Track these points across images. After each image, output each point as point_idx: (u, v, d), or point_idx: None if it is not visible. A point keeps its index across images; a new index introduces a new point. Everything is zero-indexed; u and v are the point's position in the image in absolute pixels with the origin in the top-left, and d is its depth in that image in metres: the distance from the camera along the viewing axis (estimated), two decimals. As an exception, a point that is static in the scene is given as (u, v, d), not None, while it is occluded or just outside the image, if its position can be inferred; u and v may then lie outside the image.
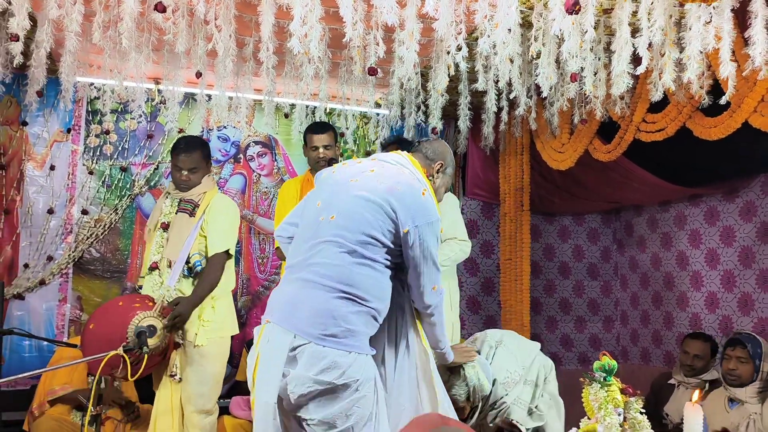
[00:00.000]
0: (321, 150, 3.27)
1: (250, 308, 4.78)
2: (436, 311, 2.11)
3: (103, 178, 4.59)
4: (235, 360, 4.32)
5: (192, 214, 2.89)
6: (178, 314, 2.65)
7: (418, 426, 1.12)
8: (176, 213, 2.93)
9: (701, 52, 2.68)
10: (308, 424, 1.83)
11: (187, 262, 2.83)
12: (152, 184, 4.67)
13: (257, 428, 1.88)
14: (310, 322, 1.84)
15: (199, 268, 2.82)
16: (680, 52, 2.79)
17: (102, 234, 4.56)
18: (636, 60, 2.80)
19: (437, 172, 2.27)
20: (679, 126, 3.30)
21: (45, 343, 4.21)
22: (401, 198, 1.95)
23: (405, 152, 2.23)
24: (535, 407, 2.52)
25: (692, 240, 4.89)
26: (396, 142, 3.43)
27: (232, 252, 2.88)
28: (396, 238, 1.95)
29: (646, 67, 2.78)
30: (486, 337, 2.74)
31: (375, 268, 1.92)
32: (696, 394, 1.78)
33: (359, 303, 1.88)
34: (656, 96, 3.03)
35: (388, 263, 1.96)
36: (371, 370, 1.89)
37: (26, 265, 4.38)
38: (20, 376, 2.57)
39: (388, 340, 2.03)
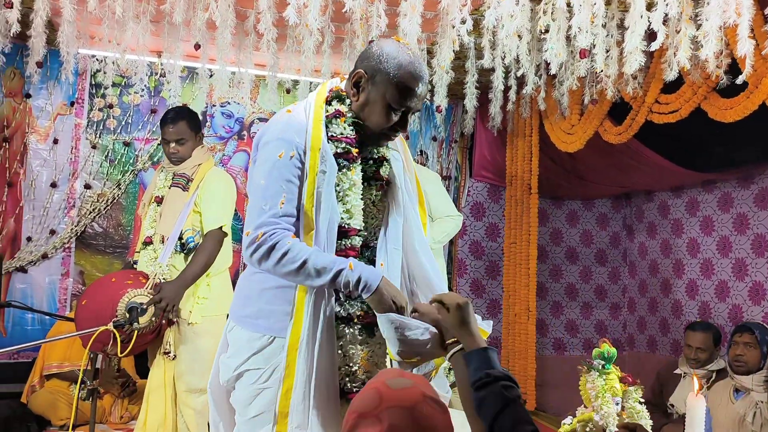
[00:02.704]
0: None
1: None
2: (268, 265, 1.53)
3: (106, 153, 4.56)
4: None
5: (185, 188, 2.83)
6: (161, 298, 2.58)
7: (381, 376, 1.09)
8: (169, 187, 2.87)
9: (720, 29, 2.55)
10: None
11: (180, 238, 2.78)
12: (155, 159, 4.62)
13: None
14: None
15: (192, 244, 2.77)
16: (696, 29, 2.67)
17: (104, 209, 4.53)
18: (650, 36, 2.68)
19: (356, 87, 1.63)
20: (694, 107, 3.17)
21: (47, 316, 4.21)
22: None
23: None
24: None
25: (704, 227, 4.77)
26: None
27: (227, 229, 2.82)
28: None
29: (661, 45, 2.67)
30: None
31: None
32: (696, 383, 1.70)
33: None
34: (670, 75, 2.91)
35: None
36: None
37: (29, 239, 4.37)
38: (14, 347, 2.56)
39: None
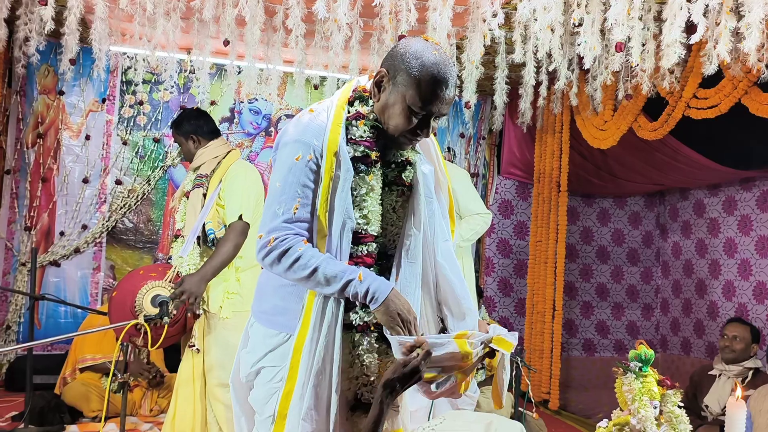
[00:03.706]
0: None
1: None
2: (279, 270, 1.49)
3: (136, 149, 4.62)
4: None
5: (203, 186, 2.85)
6: (182, 291, 2.59)
7: None
8: (192, 188, 2.90)
9: (762, 21, 2.46)
10: None
11: (203, 232, 2.79)
12: (184, 156, 4.66)
13: None
14: None
15: (212, 237, 2.76)
16: (738, 21, 2.57)
17: (135, 204, 4.60)
18: (688, 29, 2.59)
19: (377, 86, 1.54)
20: (734, 102, 3.07)
21: (79, 309, 4.29)
22: None
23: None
24: None
25: (742, 226, 4.63)
26: None
27: (247, 218, 2.78)
28: None
29: (700, 38, 2.57)
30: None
31: None
32: (739, 390, 1.63)
33: None
34: (710, 69, 2.81)
35: None
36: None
37: (62, 233, 4.46)
38: (48, 340, 2.60)
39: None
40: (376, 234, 1.56)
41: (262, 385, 1.58)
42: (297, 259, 1.46)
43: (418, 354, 1.42)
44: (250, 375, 1.62)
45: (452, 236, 1.74)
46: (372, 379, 1.54)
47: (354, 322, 1.54)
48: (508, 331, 1.60)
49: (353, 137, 1.54)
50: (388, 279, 1.56)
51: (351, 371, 1.53)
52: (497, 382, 1.56)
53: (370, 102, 1.58)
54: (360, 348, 1.54)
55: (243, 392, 1.68)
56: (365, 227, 1.54)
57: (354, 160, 1.53)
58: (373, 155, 1.55)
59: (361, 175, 1.54)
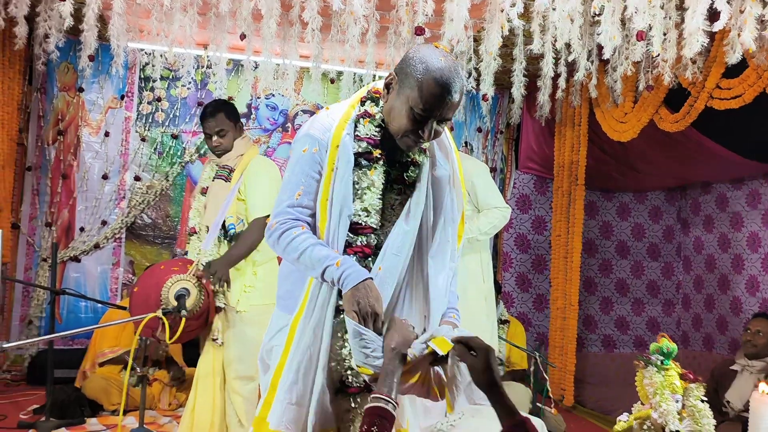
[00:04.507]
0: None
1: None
2: (279, 249, 1.61)
3: (155, 145, 4.65)
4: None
5: (227, 179, 2.86)
6: (214, 272, 2.64)
7: None
8: (213, 179, 2.90)
9: (788, 7, 2.40)
10: None
11: (223, 227, 2.80)
12: (202, 152, 4.69)
13: None
14: None
15: (233, 232, 2.79)
16: (763, 8, 2.51)
17: (153, 200, 4.64)
18: (711, 17, 2.54)
19: (386, 89, 1.62)
20: (758, 92, 3.00)
21: (99, 304, 4.34)
22: None
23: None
24: None
25: (766, 220, 4.53)
26: None
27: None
28: None
29: (723, 26, 2.52)
30: None
31: None
32: (763, 385, 1.59)
33: None
34: (733, 58, 2.75)
35: None
36: None
37: (82, 229, 4.51)
38: (69, 332, 2.63)
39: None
40: (375, 227, 1.64)
41: (273, 363, 1.69)
42: (291, 241, 1.59)
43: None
44: (267, 353, 1.74)
45: (458, 242, 1.78)
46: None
47: (342, 306, 1.60)
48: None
49: (359, 134, 1.65)
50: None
51: (339, 354, 1.60)
52: (447, 387, 1.56)
53: (380, 103, 1.67)
54: (348, 332, 1.59)
55: (266, 369, 1.79)
56: (365, 219, 1.62)
57: (357, 155, 1.63)
58: (376, 152, 1.64)
59: (363, 169, 1.63)
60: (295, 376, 1.56)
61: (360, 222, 1.62)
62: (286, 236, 1.59)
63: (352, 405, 1.62)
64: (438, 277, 1.70)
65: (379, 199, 1.64)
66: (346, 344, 1.59)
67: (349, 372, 1.60)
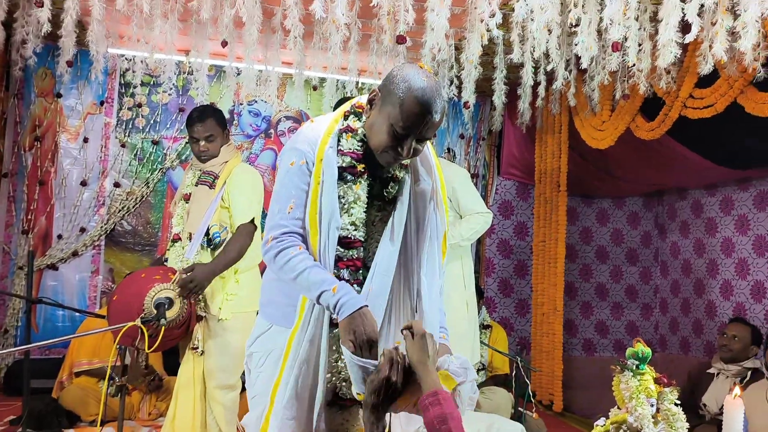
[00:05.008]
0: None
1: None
2: (275, 268, 1.61)
3: (135, 151, 4.62)
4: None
5: (212, 185, 2.84)
6: (190, 279, 2.60)
7: None
8: (196, 185, 2.88)
9: (758, 20, 2.47)
10: None
11: (207, 234, 2.79)
12: (183, 157, 4.67)
13: None
14: None
15: (217, 240, 2.78)
16: (734, 20, 2.58)
17: (133, 207, 4.60)
18: (684, 29, 2.60)
19: (369, 104, 1.65)
20: (730, 101, 3.08)
21: (77, 313, 4.28)
22: None
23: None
24: None
25: (739, 226, 4.63)
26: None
27: (258, 222, 2.82)
28: None
29: (696, 38, 2.58)
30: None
31: None
32: (737, 389, 1.64)
33: None
34: (705, 69, 2.82)
35: None
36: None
37: (60, 236, 4.45)
38: (45, 342, 2.59)
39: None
40: (363, 240, 1.66)
41: (252, 369, 1.73)
42: (288, 261, 1.58)
43: (381, 368, 1.45)
44: (248, 358, 1.77)
45: (443, 256, 1.81)
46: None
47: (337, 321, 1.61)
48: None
49: (342, 149, 1.66)
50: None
51: (334, 367, 1.62)
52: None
53: (363, 118, 1.69)
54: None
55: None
56: (353, 233, 1.64)
57: (341, 169, 1.64)
58: (360, 167, 1.66)
59: (349, 183, 1.65)
60: (293, 391, 1.57)
61: (349, 236, 1.63)
62: (283, 256, 1.58)
63: (346, 418, 1.65)
64: (431, 292, 1.72)
65: (365, 212, 1.65)
66: (341, 357, 1.60)
67: (344, 384, 1.61)
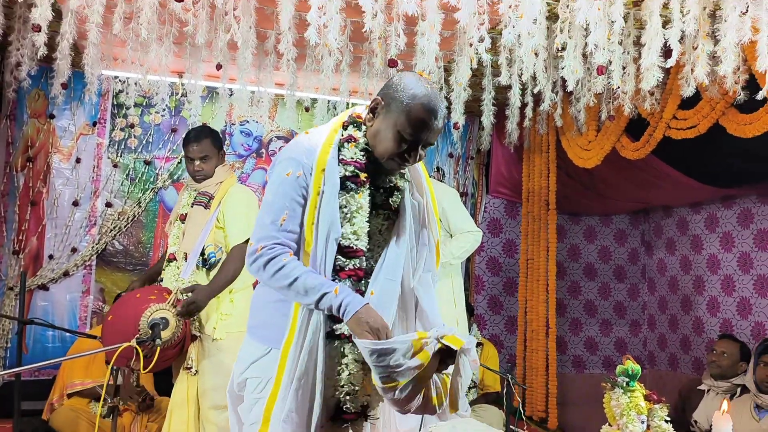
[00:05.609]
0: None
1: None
2: (265, 277, 1.59)
3: (127, 172, 4.63)
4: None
5: (207, 206, 2.87)
6: (192, 301, 2.62)
7: None
8: (192, 206, 2.91)
9: (737, 45, 2.56)
10: None
11: (202, 254, 2.81)
12: (175, 177, 4.69)
13: None
14: None
15: (213, 260, 2.80)
16: (714, 45, 2.68)
17: (125, 227, 4.60)
18: (667, 54, 2.70)
19: (371, 112, 1.68)
20: (712, 123, 3.17)
21: (68, 333, 4.25)
22: None
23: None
24: None
25: (724, 243, 4.72)
26: None
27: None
28: None
29: (678, 61, 2.68)
30: None
31: None
32: (725, 404, 1.69)
33: None
34: (688, 91, 2.92)
35: None
36: None
37: (51, 257, 4.44)
38: (38, 365, 2.59)
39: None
40: (365, 249, 1.66)
41: (247, 395, 1.68)
42: (281, 268, 1.56)
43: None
44: (238, 385, 1.73)
45: (437, 265, 1.85)
46: (356, 388, 1.61)
47: (338, 331, 1.62)
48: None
49: (344, 158, 1.66)
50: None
51: (337, 380, 1.61)
52: (452, 385, 1.62)
53: (363, 128, 1.70)
54: (346, 357, 1.62)
55: (236, 401, 1.77)
56: (355, 242, 1.64)
57: (344, 178, 1.64)
58: (362, 176, 1.66)
59: (351, 193, 1.64)
60: (292, 405, 1.54)
61: (351, 245, 1.63)
62: (275, 263, 1.56)
63: None
64: (428, 296, 1.76)
65: (367, 222, 1.66)
66: (345, 368, 1.60)
67: (347, 398, 1.60)
